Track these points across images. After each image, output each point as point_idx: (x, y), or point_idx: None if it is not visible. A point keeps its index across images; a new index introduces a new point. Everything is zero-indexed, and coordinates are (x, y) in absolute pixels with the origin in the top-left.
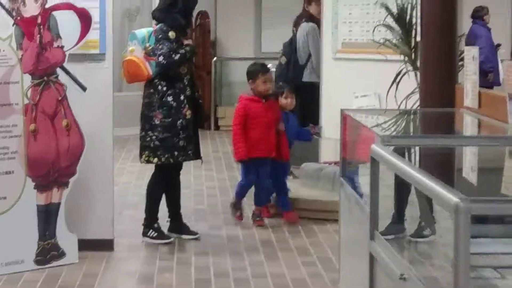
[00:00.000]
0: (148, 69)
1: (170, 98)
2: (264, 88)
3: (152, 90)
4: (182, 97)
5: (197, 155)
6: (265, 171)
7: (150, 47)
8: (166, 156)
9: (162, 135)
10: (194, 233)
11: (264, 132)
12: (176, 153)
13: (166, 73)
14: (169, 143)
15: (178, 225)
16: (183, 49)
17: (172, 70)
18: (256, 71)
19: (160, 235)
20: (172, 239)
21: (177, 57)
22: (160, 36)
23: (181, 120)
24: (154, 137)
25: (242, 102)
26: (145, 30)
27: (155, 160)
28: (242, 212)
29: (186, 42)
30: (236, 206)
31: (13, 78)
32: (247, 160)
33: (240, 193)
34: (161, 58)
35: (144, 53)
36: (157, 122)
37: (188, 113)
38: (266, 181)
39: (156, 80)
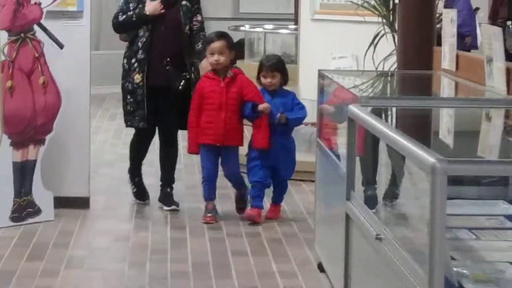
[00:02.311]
0: None
1: (125, 61)
2: (211, 60)
3: None
4: (133, 60)
5: (155, 123)
6: (229, 161)
7: None
8: (124, 119)
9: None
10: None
11: (213, 115)
12: (125, 117)
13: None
14: (122, 106)
15: (161, 194)
16: (132, 12)
17: (124, 31)
18: (204, 41)
19: (138, 193)
20: (147, 202)
21: (121, 18)
22: None
23: (127, 83)
24: None
25: (200, 80)
26: None
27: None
28: (213, 215)
29: (148, 3)
30: (206, 207)
31: None
32: (200, 149)
33: (204, 191)
34: (112, 19)
35: None
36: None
37: (137, 78)
38: (231, 171)
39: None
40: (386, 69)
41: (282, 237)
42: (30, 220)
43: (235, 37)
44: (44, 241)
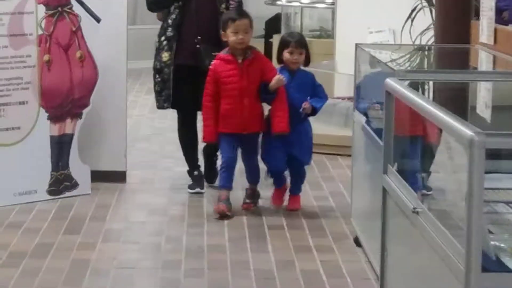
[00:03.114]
0: None
1: (157, 39)
2: (235, 39)
3: None
4: (162, 38)
5: (175, 105)
6: (247, 150)
7: None
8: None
9: None
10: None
11: (235, 102)
12: (155, 97)
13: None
14: (153, 86)
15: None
16: None
17: (156, 9)
18: (226, 19)
19: (193, 183)
20: (197, 190)
21: None
22: None
23: (156, 62)
24: None
25: (213, 64)
26: None
27: None
28: (227, 205)
29: None
30: (219, 197)
31: (27, 9)
32: (220, 137)
33: (220, 179)
34: None
35: None
36: None
37: (165, 56)
38: (250, 159)
39: None
40: (423, 43)
41: (319, 212)
42: (67, 194)
43: (272, 11)
44: (81, 214)
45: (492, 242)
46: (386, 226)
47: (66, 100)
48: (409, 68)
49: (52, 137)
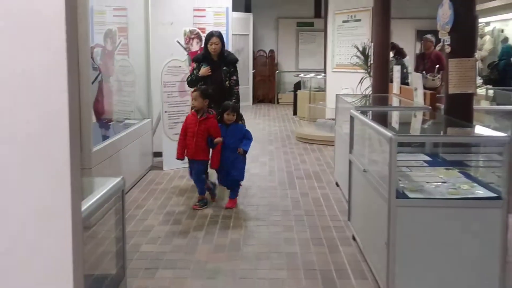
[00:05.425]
0: None
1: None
2: (192, 103)
3: None
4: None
5: None
6: (196, 169)
7: None
8: None
9: None
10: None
11: (190, 139)
12: None
13: None
14: None
15: None
16: (193, 74)
17: (191, 86)
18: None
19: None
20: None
21: (189, 79)
22: None
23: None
24: None
25: (189, 114)
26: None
27: None
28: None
29: (202, 69)
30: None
31: (184, 78)
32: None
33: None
34: (186, 78)
35: None
36: None
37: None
38: (197, 176)
39: None
40: (366, 93)
41: (319, 170)
42: None
43: (296, 80)
44: None
45: (400, 185)
46: (351, 178)
47: None
48: (359, 105)
49: None
